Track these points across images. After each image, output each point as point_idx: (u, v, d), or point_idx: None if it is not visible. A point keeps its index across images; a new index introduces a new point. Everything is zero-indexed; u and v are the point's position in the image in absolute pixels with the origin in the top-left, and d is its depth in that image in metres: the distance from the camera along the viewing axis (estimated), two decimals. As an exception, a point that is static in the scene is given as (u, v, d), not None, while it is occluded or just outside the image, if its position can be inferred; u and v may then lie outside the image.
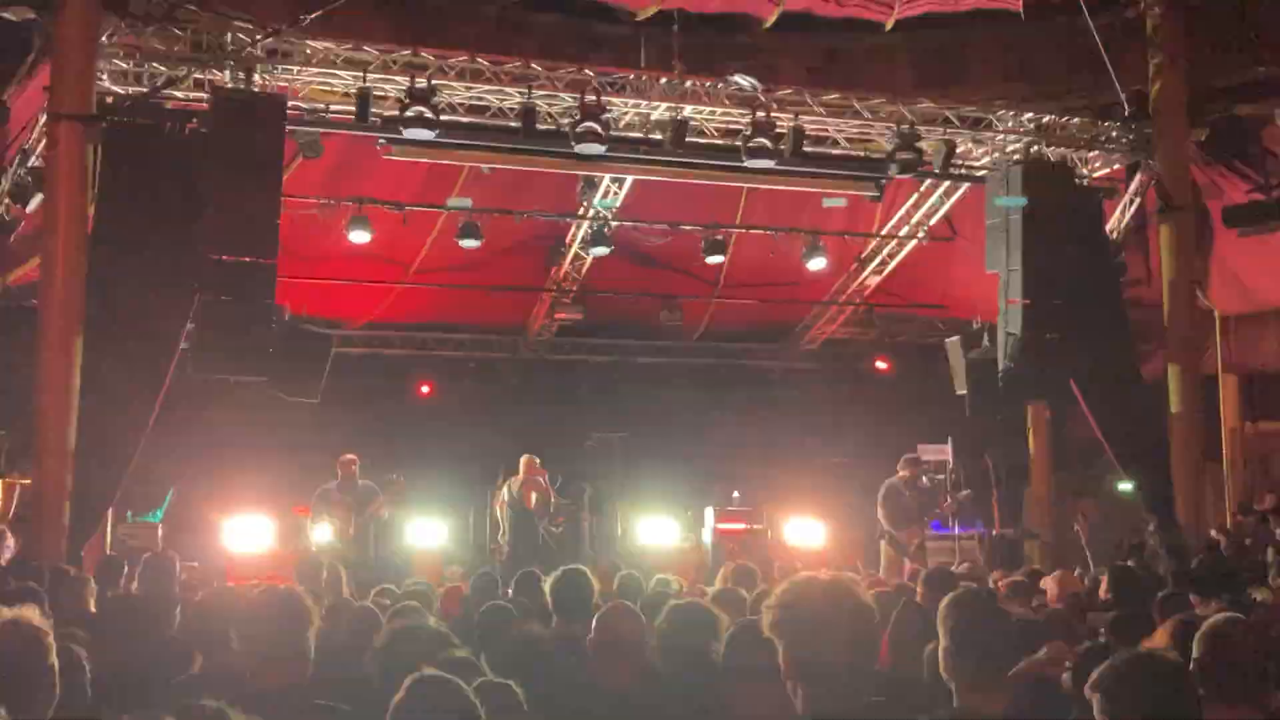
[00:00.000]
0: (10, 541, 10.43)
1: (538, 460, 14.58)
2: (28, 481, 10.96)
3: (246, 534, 13.47)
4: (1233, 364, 16.49)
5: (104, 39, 10.71)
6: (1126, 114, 13.60)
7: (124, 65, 11.13)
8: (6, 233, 12.48)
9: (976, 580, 7.79)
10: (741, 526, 15.27)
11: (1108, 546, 14.30)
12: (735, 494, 15.70)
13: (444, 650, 4.38)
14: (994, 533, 14.88)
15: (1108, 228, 14.15)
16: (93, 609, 7.18)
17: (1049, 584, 7.73)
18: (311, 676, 4.23)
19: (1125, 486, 14.72)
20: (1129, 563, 11.44)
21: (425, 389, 17.62)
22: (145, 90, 11.13)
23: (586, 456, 16.93)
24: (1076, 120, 13.83)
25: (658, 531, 15.31)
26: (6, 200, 12.20)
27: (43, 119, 10.89)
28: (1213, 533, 13.36)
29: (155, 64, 11.16)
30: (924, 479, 14.30)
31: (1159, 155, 13.66)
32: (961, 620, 3.73)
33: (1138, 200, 14.16)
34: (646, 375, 18.34)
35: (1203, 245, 14.84)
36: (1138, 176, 14.02)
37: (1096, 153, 14.07)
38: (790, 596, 3.04)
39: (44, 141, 10.85)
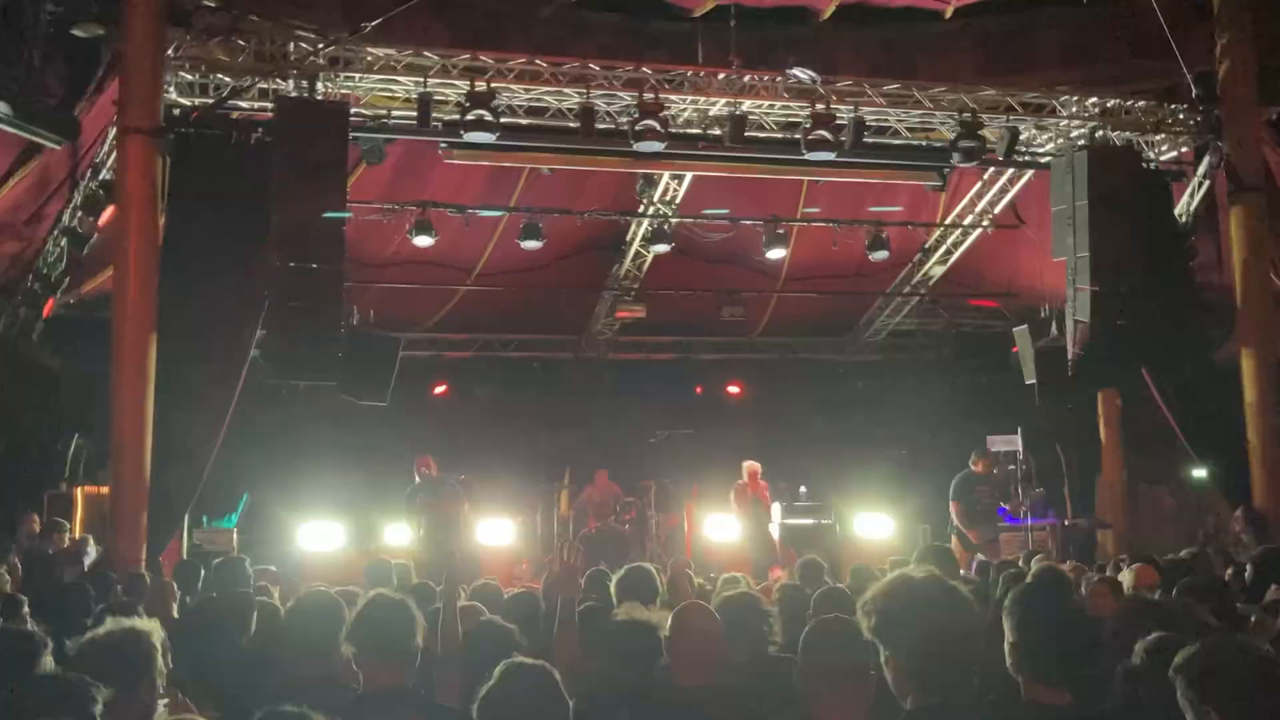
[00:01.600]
0: (91, 549, 10.68)
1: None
2: (105, 490, 11.16)
3: (319, 537, 13.64)
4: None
5: (170, 53, 10.90)
6: (1193, 95, 13.37)
7: (190, 78, 11.33)
8: (80, 245, 12.74)
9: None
10: (809, 522, 15.20)
11: (1183, 534, 14.08)
12: (802, 489, 15.64)
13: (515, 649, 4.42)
14: (1066, 523, 14.68)
15: (1176, 211, 13.91)
16: (175, 614, 7.32)
17: (1126, 577, 7.59)
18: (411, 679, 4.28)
19: (1200, 474, 14.48)
20: (1207, 550, 11.22)
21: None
22: (211, 101, 11.33)
23: (651, 453, 16.96)
24: (1142, 103, 13.61)
25: (724, 528, 15.28)
26: (80, 213, 12.46)
27: (113, 132, 11.11)
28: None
29: (220, 75, 11.35)
30: (995, 471, 14.17)
31: (1228, 136, 13.39)
32: (1029, 613, 3.69)
33: (1207, 183, 13.90)
34: (710, 371, 18.33)
35: (1275, 226, 14.52)
36: (1206, 158, 13.76)
37: (1163, 136, 13.84)
38: (887, 600, 3.04)
39: (114, 154, 11.06)
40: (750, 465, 14.86)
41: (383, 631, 4.12)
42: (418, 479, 13.46)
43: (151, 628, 3.60)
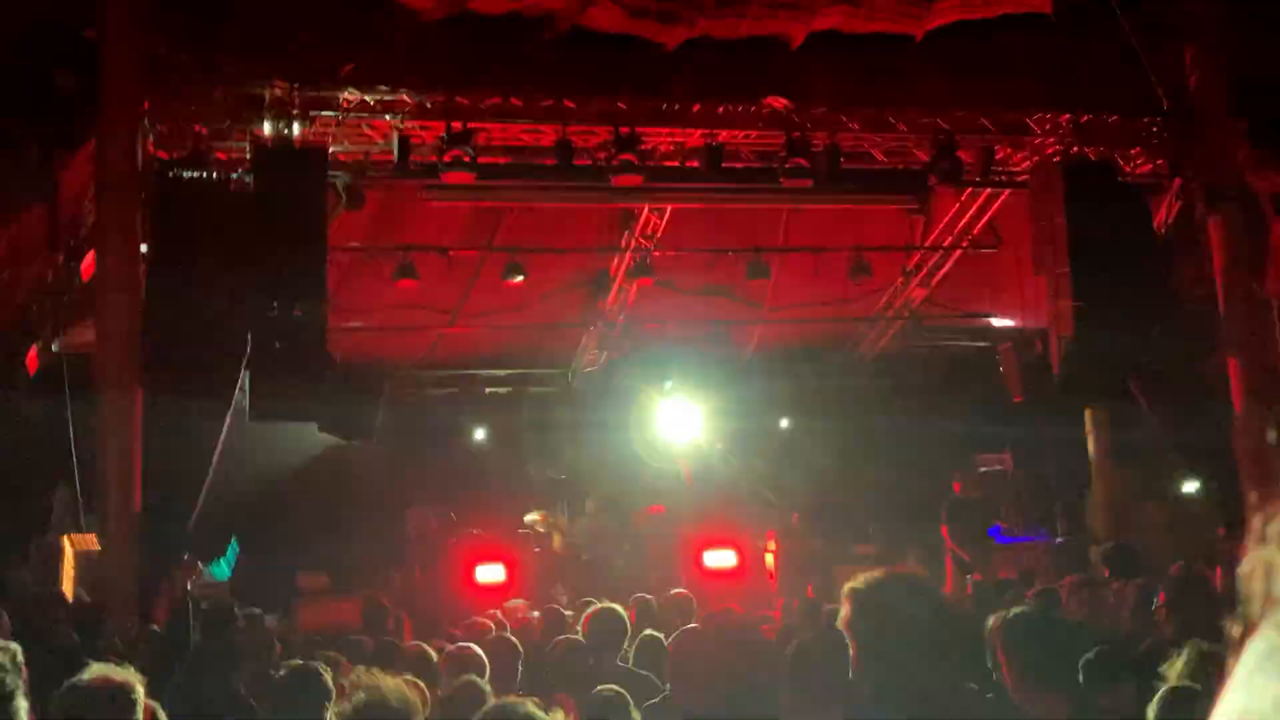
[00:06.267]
0: (83, 597, 10.62)
1: None
2: (91, 538, 11.12)
3: (314, 581, 13.58)
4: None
5: (147, 104, 10.94)
6: (1166, 108, 13.46)
7: (168, 126, 11.36)
8: (62, 296, 12.72)
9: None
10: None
11: (1178, 548, 14.05)
12: (795, 516, 15.61)
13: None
14: (1057, 540, 14.67)
15: (1155, 224, 13.98)
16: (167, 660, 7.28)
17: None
18: None
19: (1190, 488, 14.49)
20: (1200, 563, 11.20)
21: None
22: (189, 150, 11.36)
23: (644, 486, 16.92)
24: (1116, 118, 13.70)
25: (721, 558, 15.21)
26: (60, 265, 12.45)
27: (91, 185, 11.12)
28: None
29: (198, 125, 11.39)
30: (983, 490, 14.18)
31: (1203, 147, 13.48)
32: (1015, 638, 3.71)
33: (1184, 194, 13.97)
34: (699, 402, 18.33)
35: (1256, 235, 14.58)
36: (1183, 170, 13.85)
37: (1138, 149, 13.92)
38: (868, 591, 2.94)
39: (94, 207, 11.07)
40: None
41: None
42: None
43: (131, 677, 3.56)
